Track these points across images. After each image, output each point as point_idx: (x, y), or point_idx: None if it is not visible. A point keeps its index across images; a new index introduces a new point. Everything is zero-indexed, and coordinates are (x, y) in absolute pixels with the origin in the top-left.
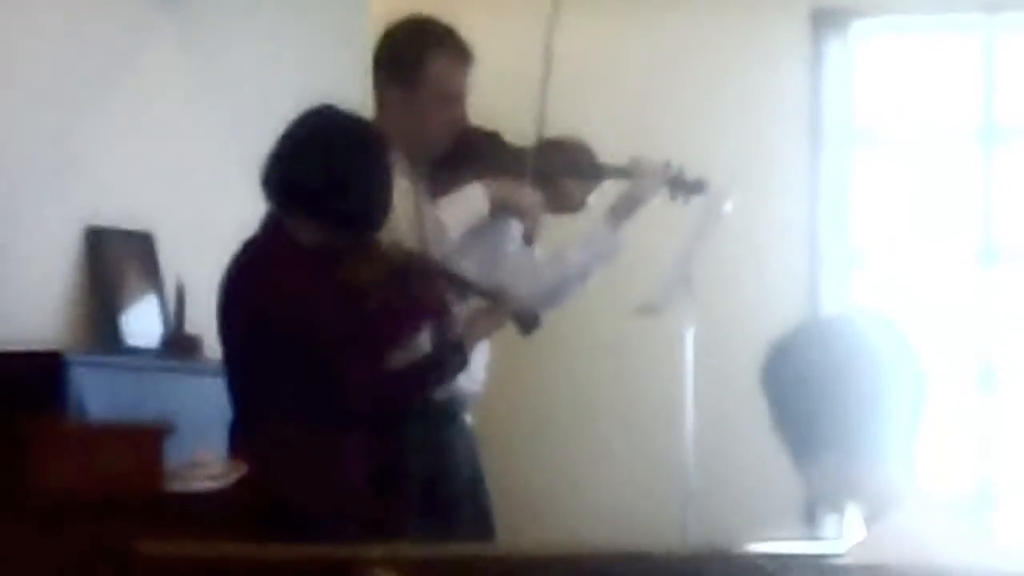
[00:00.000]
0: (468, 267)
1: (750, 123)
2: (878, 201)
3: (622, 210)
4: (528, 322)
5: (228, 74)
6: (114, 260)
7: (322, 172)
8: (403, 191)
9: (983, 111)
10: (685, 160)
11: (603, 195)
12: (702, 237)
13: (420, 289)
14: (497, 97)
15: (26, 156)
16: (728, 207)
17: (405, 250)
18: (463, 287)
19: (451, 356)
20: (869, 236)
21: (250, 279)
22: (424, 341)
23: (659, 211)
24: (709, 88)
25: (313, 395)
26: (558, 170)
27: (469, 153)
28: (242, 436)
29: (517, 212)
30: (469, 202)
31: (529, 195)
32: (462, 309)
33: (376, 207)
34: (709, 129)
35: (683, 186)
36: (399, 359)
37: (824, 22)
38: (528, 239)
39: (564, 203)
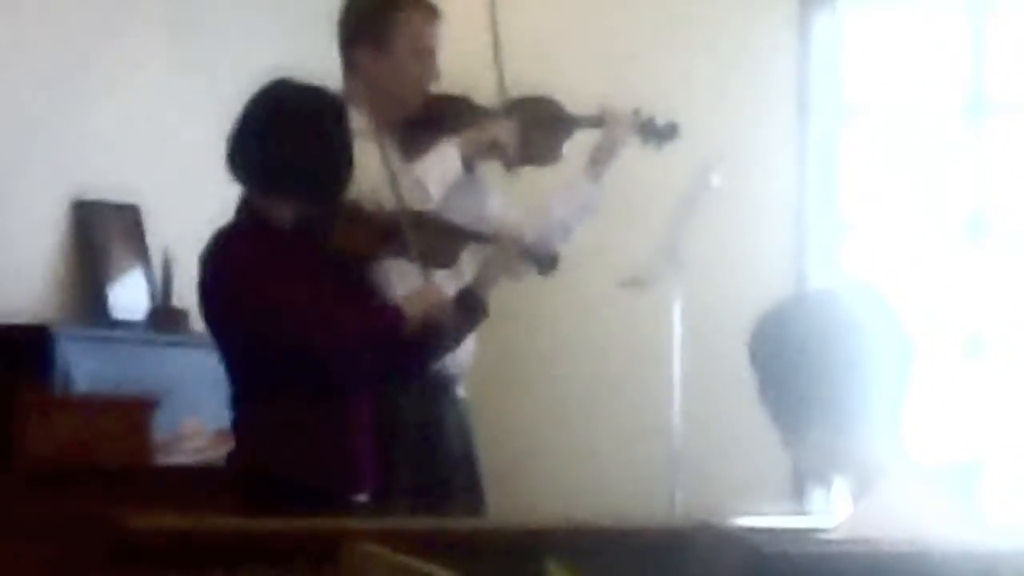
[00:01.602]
0: None
1: (738, 95)
2: (866, 174)
3: (599, 160)
4: (546, 262)
5: (212, 46)
6: (101, 233)
7: (289, 146)
8: (375, 154)
9: (971, 84)
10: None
11: (577, 146)
12: (690, 209)
13: (418, 244)
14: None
15: (12, 130)
16: (716, 179)
17: (391, 209)
18: (462, 236)
19: (471, 306)
20: (857, 209)
21: (225, 267)
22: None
23: (646, 181)
24: (697, 60)
25: (311, 371)
26: (528, 123)
27: (439, 117)
28: (246, 411)
29: (491, 148)
30: (444, 161)
31: (498, 126)
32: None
33: (343, 173)
34: (698, 101)
35: (654, 132)
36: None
37: None
38: (509, 165)
39: (538, 156)
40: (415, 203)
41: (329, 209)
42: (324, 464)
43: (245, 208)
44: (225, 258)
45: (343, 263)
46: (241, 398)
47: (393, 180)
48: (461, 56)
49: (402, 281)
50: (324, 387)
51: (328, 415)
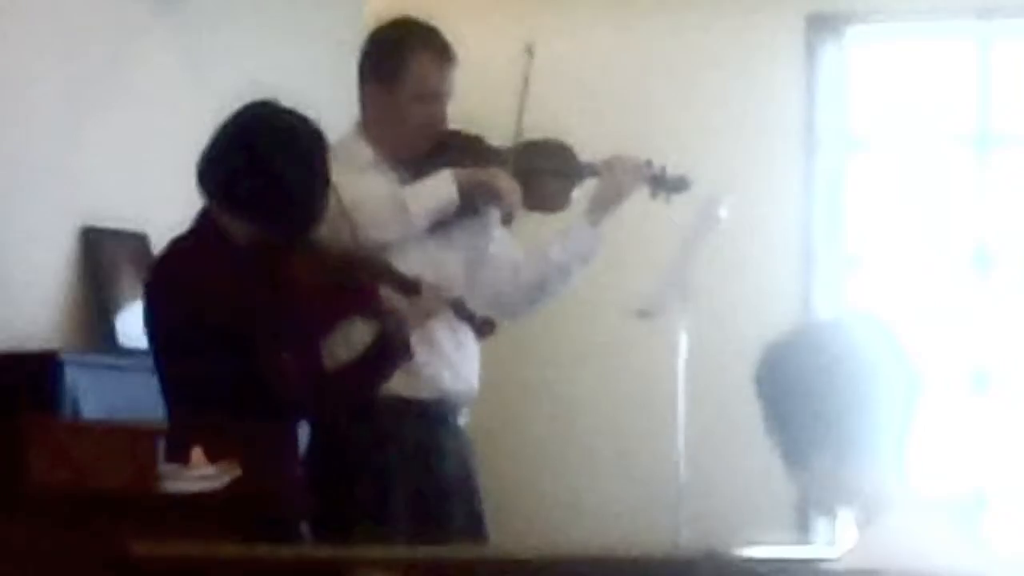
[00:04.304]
0: (451, 262)
1: (745, 128)
2: (872, 206)
3: (600, 207)
4: (483, 328)
5: (223, 76)
6: (109, 260)
7: (255, 169)
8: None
9: (977, 116)
10: (680, 166)
11: (587, 193)
12: (697, 241)
13: (359, 286)
14: (482, 101)
15: (21, 157)
16: (723, 212)
17: (344, 248)
18: (404, 285)
19: (393, 349)
20: (863, 241)
21: (179, 276)
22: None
23: (653, 215)
24: (704, 93)
25: (249, 392)
26: (538, 170)
27: (450, 155)
28: (180, 433)
29: (492, 195)
30: (436, 186)
31: (504, 177)
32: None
33: (310, 206)
34: (705, 134)
35: (664, 184)
36: (341, 356)
37: (819, 28)
38: (507, 220)
39: (546, 202)
40: (393, 227)
41: (289, 236)
42: (267, 487)
43: (204, 220)
44: (173, 270)
45: (291, 293)
46: (173, 416)
47: (351, 220)
48: (478, 92)
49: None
50: (258, 409)
51: (265, 440)
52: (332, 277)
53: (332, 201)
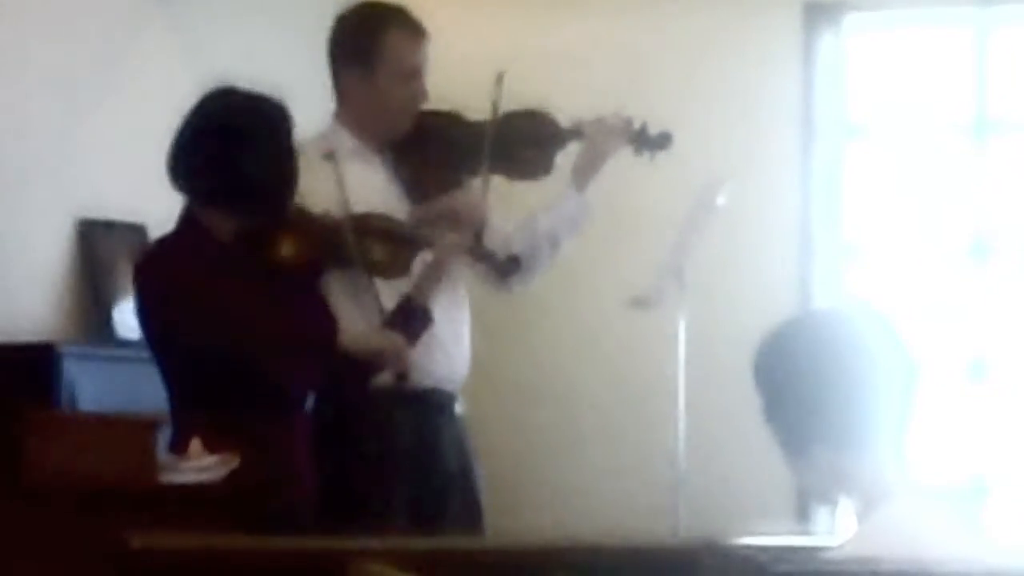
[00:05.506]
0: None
1: (743, 116)
2: (870, 194)
3: (584, 169)
4: (508, 266)
5: (220, 68)
6: (107, 252)
7: (222, 158)
8: (369, 175)
9: (975, 104)
10: (676, 153)
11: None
12: (695, 229)
13: (362, 252)
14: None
15: (19, 149)
16: (721, 200)
17: (333, 217)
18: (406, 241)
19: (413, 314)
20: (861, 229)
21: (164, 276)
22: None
23: (651, 203)
24: (702, 81)
25: (246, 386)
26: (518, 138)
27: (430, 134)
28: (181, 425)
29: (450, 223)
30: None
31: (459, 202)
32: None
33: (284, 187)
34: (702, 122)
35: (646, 141)
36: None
37: (817, 15)
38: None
39: (528, 170)
40: None
41: (271, 220)
42: (267, 478)
43: (186, 217)
44: (162, 270)
45: (286, 274)
46: (177, 410)
47: (345, 202)
48: (456, 65)
49: (352, 296)
50: (262, 400)
51: (266, 431)
52: (322, 249)
53: (329, 174)
